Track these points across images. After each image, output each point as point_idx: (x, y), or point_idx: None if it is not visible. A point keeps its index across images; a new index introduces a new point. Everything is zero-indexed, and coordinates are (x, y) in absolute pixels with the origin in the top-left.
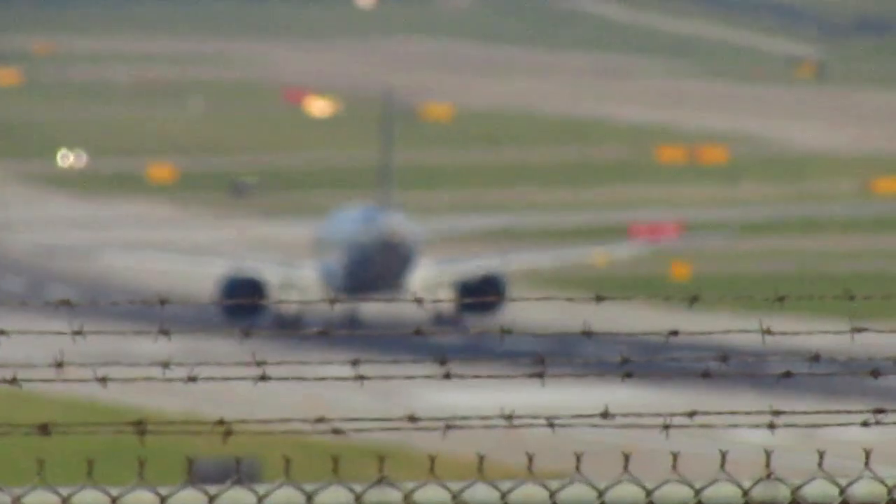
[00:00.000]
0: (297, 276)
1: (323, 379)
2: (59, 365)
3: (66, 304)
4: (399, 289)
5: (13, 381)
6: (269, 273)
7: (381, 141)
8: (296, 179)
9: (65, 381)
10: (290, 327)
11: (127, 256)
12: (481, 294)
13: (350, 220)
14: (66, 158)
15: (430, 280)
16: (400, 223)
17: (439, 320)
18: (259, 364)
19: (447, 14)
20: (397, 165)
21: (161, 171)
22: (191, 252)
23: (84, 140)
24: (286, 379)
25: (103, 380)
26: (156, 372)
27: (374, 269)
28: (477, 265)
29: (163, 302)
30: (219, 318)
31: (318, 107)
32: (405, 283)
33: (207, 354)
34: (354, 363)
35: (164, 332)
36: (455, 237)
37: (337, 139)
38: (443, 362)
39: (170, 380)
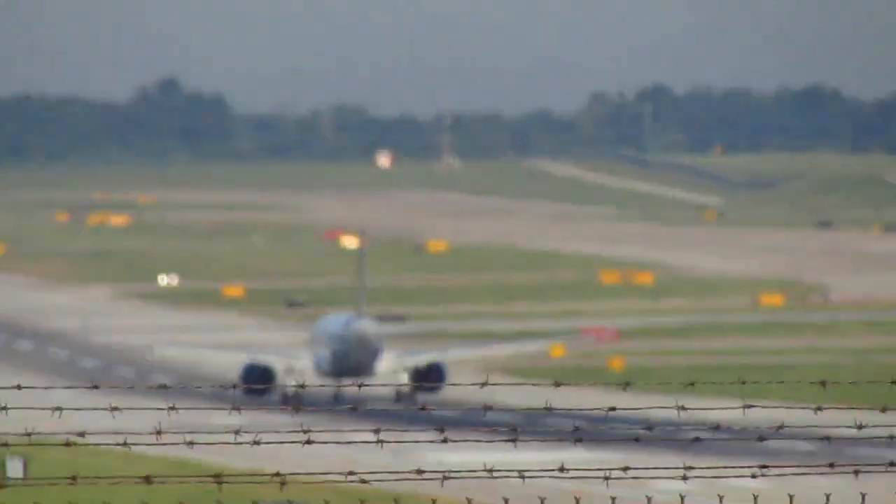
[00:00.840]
0: (297, 363)
1: (352, 442)
2: (159, 432)
3: (163, 387)
4: (369, 374)
5: (125, 444)
6: (277, 361)
7: (357, 268)
8: (334, 296)
9: (162, 444)
10: (293, 402)
11: (191, 351)
12: (428, 378)
13: (334, 323)
14: (164, 281)
15: (391, 367)
16: (369, 326)
17: (399, 396)
18: (306, 432)
19: (446, 173)
20: (408, 285)
21: (234, 290)
22: (252, 349)
23: (177, 267)
24: (326, 443)
25: (191, 443)
26: (229, 438)
27: (351, 358)
28: (426, 357)
29: (234, 386)
30: (241, 395)
31: (350, 242)
32: (374, 370)
33: (268, 425)
34: (376, 431)
35: (236, 409)
36: (434, 335)
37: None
38: (441, 430)
39: (240, 443)
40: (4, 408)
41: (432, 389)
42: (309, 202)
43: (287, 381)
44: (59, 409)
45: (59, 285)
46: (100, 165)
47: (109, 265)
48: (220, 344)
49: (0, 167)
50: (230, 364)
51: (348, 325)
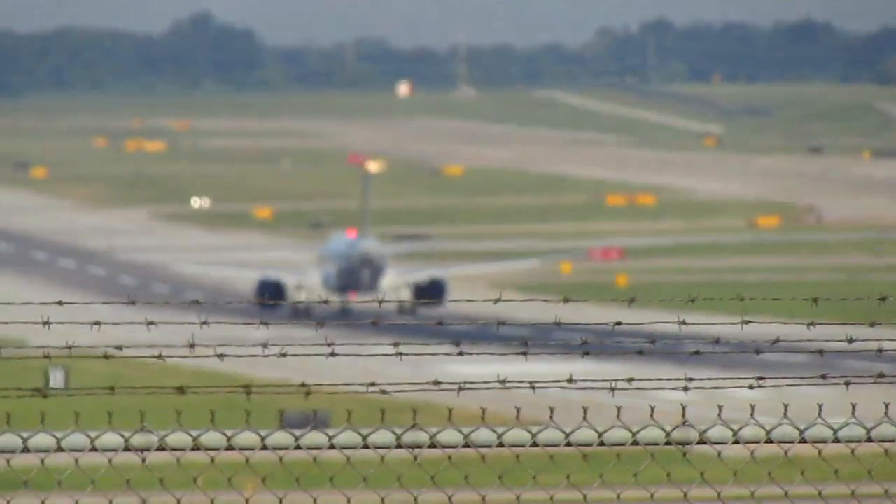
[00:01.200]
0: (306, 280)
1: (374, 355)
2: (191, 346)
3: (196, 303)
4: (373, 290)
5: (159, 356)
6: (288, 278)
7: (362, 190)
8: (357, 218)
9: (195, 356)
10: (304, 317)
11: (209, 269)
12: (429, 293)
13: (340, 243)
14: (196, 203)
15: (394, 284)
16: (373, 245)
17: (401, 311)
18: (330, 345)
19: (461, 102)
20: (427, 208)
21: (263, 212)
22: (272, 267)
23: (209, 190)
24: (348, 355)
25: (221, 356)
26: (257, 350)
27: (355, 275)
28: (427, 273)
29: (262, 301)
30: (254, 308)
31: (373, 167)
32: (378, 286)
33: (293, 339)
34: (395, 345)
35: (264, 323)
36: (441, 253)
37: (386, 189)
38: (457, 344)
39: (267, 356)
40: (47, 322)
41: (433, 304)
42: (334, 129)
43: (297, 296)
44: (98, 323)
45: (97, 207)
46: (136, 94)
47: (145, 188)
48: (246, 262)
49: (42, 96)
50: (248, 280)
51: (353, 244)
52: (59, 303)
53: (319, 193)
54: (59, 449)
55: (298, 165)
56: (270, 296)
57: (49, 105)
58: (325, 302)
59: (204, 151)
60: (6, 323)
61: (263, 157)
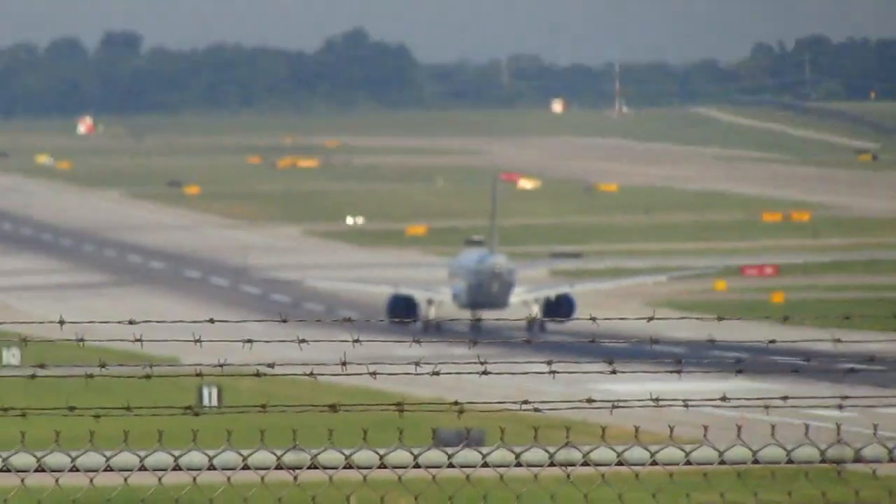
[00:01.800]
0: (437, 295)
1: (526, 373)
2: (344, 363)
3: (348, 321)
4: (503, 305)
5: (311, 374)
6: (420, 293)
7: (490, 207)
8: (510, 235)
9: (347, 374)
10: (435, 332)
11: (341, 285)
12: (558, 310)
13: (470, 259)
14: (351, 221)
15: (522, 299)
16: (502, 261)
17: (531, 326)
18: (482, 363)
19: (615, 119)
20: (580, 225)
21: (416, 229)
22: (412, 283)
23: (362, 208)
24: (501, 373)
25: (374, 374)
26: (410, 368)
27: (485, 291)
28: (555, 290)
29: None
30: (386, 323)
31: (526, 184)
32: (507, 302)
33: (445, 356)
34: (549, 363)
35: (417, 342)
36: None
37: (540, 206)
38: (610, 362)
39: (420, 374)
40: (199, 340)
41: (562, 319)
42: (487, 146)
43: (428, 312)
44: (249, 341)
45: (250, 225)
46: (289, 112)
47: (298, 206)
48: (395, 280)
49: (196, 113)
50: (381, 296)
51: (483, 260)
52: (211, 321)
53: (473, 211)
54: (211, 467)
55: (452, 183)
56: (402, 311)
57: (202, 122)
58: (455, 319)
59: (357, 169)
60: (159, 341)
61: (416, 175)
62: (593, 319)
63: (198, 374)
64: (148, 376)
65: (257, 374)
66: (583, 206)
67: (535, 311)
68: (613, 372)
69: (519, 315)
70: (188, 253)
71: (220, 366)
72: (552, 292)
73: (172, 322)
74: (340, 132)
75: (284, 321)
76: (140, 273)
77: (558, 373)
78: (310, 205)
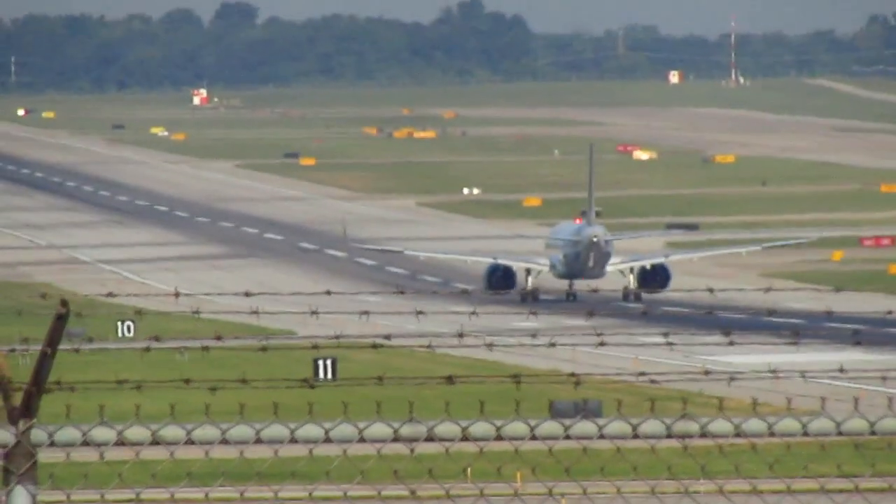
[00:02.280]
0: (535, 266)
1: (643, 345)
2: (461, 335)
3: (465, 292)
4: (599, 275)
5: (429, 346)
6: (517, 263)
7: (587, 179)
8: (626, 206)
9: (464, 346)
10: (532, 301)
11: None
12: (653, 278)
13: (568, 230)
14: (467, 192)
15: (619, 269)
16: (600, 231)
17: (626, 294)
18: (598, 335)
19: (731, 90)
20: (696, 196)
21: (532, 201)
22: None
23: (479, 179)
24: (618, 345)
25: (490, 345)
26: (526, 340)
27: (582, 261)
28: (649, 259)
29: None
30: (486, 292)
31: (642, 155)
32: (603, 272)
33: (561, 328)
34: (665, 335)
35: (533, 313)
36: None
37: (656, 177)
38: (727, 333)
39: (536, 346)
40: (315, 312)
41: (658, 288)
42: (603, 117)
43: (526, 282)
44: (366, 312)
45: (366, 196)
46: (405, 83)
47: (414, 177)
48: (511, 251)
49: (311, 85)
50: (481, 265)
51: (580, 231)
52: (328, 292)
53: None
54: (328, 440)
55: (568, 154)
56: (500, 281)
57: (317, 94)
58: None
59: (474, 140)
60: (275, 313)
61: (533, 147)
62: (711, 291)
63: (314, 347)
64: (264, 349)
65: (374, 346)
66: (699, 178)
67: (631, 280)
68: (731, 343)
69: (615, 285)
70: (303, 224)
71: (336, 338)
72: (647, 262)
73: (288, 294)
74: (456, 103)
75: (401, 293)
76: (256, 245)
77: (675, 345)
78: (426, 176)
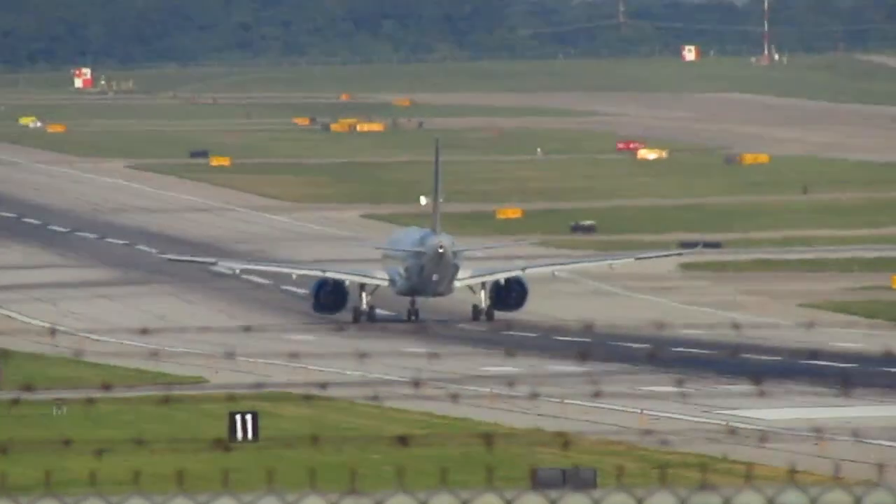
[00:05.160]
0: (369, 280)
1: (650, 396)
2: (416, 383)
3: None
4: (446, 291)
5: (375, 398)
6: (350, 278)
7: (433, 183)
8: (633, 219)
9: (422, 397)
10: (368, 318)
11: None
12: (508, 297)
13: (409, 239)
14: (424, 202)
15: (468, 285)
16: (446, 241)
17: (476, 312)
18: (593, 382)
19: (762, 70)
20: (719, 207)
21: (509, 212)
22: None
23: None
24: (618, 395)
25: (454, 396)
26: (501, 389)
27: (426, 275)
28: (504, 272)
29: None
30: (314, 310)
31: (648, 154)
32: (451, 287)
33: (545, 374)
34: (679, 381)
35: (510, 353)
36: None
37: (667, 184)
38: (757, 381)
39: (514, 396)
40: (232, 354)
41: (513, 306)
42: (599, 106)
43: (360, 299)
44: (296, 355)
45: (296, 206)
46: (346, 61)
47: (358, 182)
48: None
49: (226, 63)
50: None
51: (424, 239)
52: (247, 328)
53: (581, 189)
54: None
55: (554, 154)
56: (329, 299)
57: (233, 75)
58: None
59: (432, 135)
60: (181, 355)
61: (509, 144)
62: (737, 327)
63: (230, 398)
64: (166, 400)
65: (306, 398)
66: (722, 183)
67: (483, 297)
68: (762, 394)
69: (464, 302)
70: (215, 242)
71: (258, 387)
72: (502, 276)
73: (197, 331)
74: (411, 87)
75: (341, 328)
76: (155, 269)
77: (691, 395)
78: (372, 181)
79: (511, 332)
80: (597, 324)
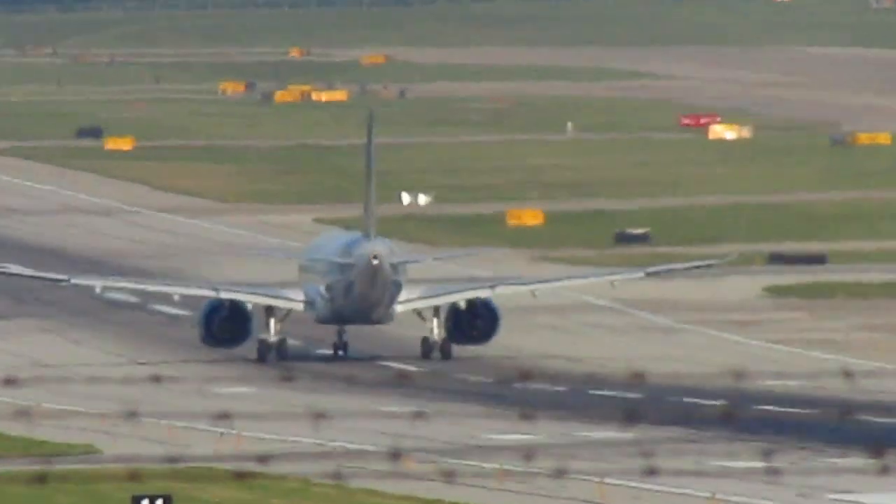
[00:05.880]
0: (280, 302)
1: (724, 473)
2: (395, 455)
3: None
4: (383, 318)
5: (338, 476)
6: (253, 299)
7: (364, 179)
8: (699, 224)
9: (403, 476)
10: (277, 354)
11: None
12: (470, 322)
13: (333, 247)
14: (407, 200)
15: (416, 306)
16: (382, 248)
17: (426, 346)
18: (644, 453)
19: (875, 12)
20: (828, 202)
21: (522, 215)
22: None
23: (428, 177)
24: (679, 473)
25: (449, 475)
26: (514, 465)
27: (357, 296)
28: (465, 293)
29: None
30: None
31: (725, 133)
32: (389, 313)
33: (575, 442)
34: (766, 453)
35: (528, 415)
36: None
37: (750, 173)
38: (877, 453)
39: (532, 474)
40: (134, 413)
41: (478, 338)
42: (652, 65)
43: (268, 327)
44: (226, 416)
45: (227, 207)
46: (297, 4)
47: (313, 173)
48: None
49: (124, 7)
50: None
51: (352, 246)
52: (156, 379)
53: (625, 179)
54: None
55: (588, 131)
56: (225, 325)
57: (134, 22)
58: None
59: (416, 105)
60: (64, 414)
61: (523, 117)
62: (848, 377)
63: (132, 477)
64: (42, 478)
65: (239, 477)
66: (828, 172)
67: (435, 326)
68: (884, 470)
69: (409, 332)
70: (114, 257)
71: (172, 462)
72: (461, 296)
73: (85, 381)
74: (387, 39)
75: (289, 380)
76: (27, 296)
77: (781, 470)
78: (332, 171)
79: (526, 384)
80: (649, 372)
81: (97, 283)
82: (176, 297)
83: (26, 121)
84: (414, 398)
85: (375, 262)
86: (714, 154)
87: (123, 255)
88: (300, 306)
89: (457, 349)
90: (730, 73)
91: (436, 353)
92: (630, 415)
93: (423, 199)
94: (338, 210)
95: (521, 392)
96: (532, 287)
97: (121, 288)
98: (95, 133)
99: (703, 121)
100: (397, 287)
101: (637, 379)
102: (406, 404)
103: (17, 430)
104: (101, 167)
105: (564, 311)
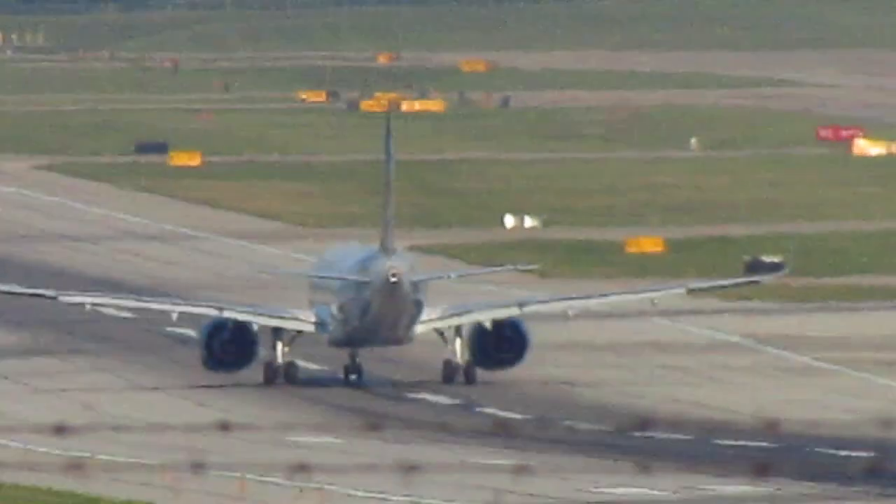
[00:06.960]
0: (292, 323)
1: None
2: None
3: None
4: (402, 339)
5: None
6: (259, 320)
7: (383, 188)
8: (843, 253)
9: None
10: (285, 377)
11: None
12: (498, 345)
13: (347, 262)
14: (513, 223)
15: (437, 326)
16: (402, 265)
17: (448, 370)
18: None
19: None
20: None
21: (646, 243)
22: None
23: (536, 198)
24: None
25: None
26: None
27: (373, 316)
28: (490, 312)
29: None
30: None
31: (871, 148)
32: (409, 334)
33: (703, 500)
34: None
35: (644, 467)
36: None
37: (887, 191)
38: None
39: None
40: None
41: (506, 363)
42: (794, 70)
43: (275, 350)
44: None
45: (311, 231)
46: (385, 5)
47: (405, 193)
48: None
49: (191, 7)
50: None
51: (368, 263)
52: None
53: (758, 202)
54: None
55: (714, 148)
56: (229, 347)
57: (202, 24)
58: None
59: (523, 116)
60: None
61: (644, 130)
62: None
63: None
64: None
65: None
66: None
67: (458, 348)
68: None
69: (429, 354)
70: (167, 287)
71: None
72: (486, 315)
73: (144, 428)
74: (488, 43)
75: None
76: (76, 329)
77: None
78: (426, 190)
79: (642, 433)
80: (784, 419)
81: (87, 300)
82: (174, 316)
83: (76, 134)
84: (516, 449)
85: (394, 280)
86: (858, 172)
87: (185, 287)
88: (311, 327)
89: (483, 374)
90: (874, 80)
91: (459, 378)
92: (762, 467)
93: (529, 222)
94: (435, 236)
95: (635, 440)
96: (565, 304)
97: (109, 304)
98: (158, 148)
99: (843, 134)
100: (418, 307)
101: (771, 427)
102: (507, 456)
103: (67, 484)
104: (163, 186)
105: (690, 349)
